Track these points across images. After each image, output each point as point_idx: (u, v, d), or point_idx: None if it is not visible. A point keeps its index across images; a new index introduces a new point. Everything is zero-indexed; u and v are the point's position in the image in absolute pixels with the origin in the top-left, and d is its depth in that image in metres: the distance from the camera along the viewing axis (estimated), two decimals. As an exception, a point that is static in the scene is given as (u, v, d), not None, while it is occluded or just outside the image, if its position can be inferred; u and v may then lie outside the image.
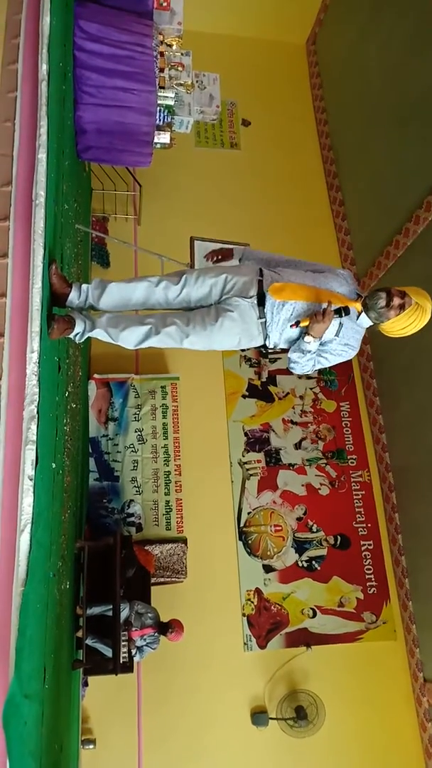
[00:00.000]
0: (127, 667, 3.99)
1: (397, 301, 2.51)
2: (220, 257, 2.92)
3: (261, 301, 2.63)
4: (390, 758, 4.78)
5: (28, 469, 2.09)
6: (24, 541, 2.00)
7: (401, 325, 2.57)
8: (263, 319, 2.64)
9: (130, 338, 2.64)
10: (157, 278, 2.72)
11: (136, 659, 4.09)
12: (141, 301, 2.72)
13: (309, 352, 2.60)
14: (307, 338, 2.54)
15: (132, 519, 4.89)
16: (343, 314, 2.54)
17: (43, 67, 2.79)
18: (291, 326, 2.60)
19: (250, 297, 2.65)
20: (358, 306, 2.61)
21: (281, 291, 2.61)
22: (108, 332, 2.62)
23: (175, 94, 4.54)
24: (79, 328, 2.58)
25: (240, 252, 2.90)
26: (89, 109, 4.08)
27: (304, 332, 2.57)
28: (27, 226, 2.45)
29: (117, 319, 2.64)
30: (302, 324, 2.57)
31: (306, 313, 2.59)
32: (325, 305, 2.50)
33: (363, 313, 2.62)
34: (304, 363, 2.66)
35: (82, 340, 2.66)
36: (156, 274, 2.83)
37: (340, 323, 2.59)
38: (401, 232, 5.13)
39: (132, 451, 5.08)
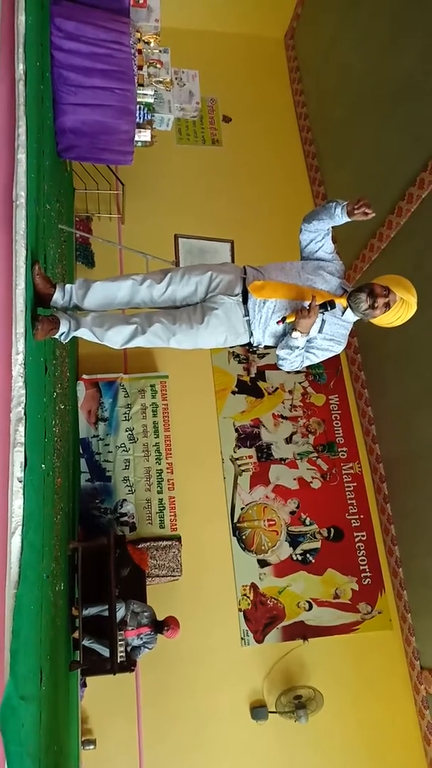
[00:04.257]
0: (125, 667, 3.99)
1: (381, 301, 2.50)
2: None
3: (246, 299, 2.64)
4: (389, 747, 4.81)
5: (17, 471, 2.08)
6: (15, 543, 1.99)
7: (387, 321, 2.60)
8: (248, 317, 2.65)
9: (115, 338, 2.64)
10: (142, 276, 2.71)
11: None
12: (126, 300, 2.72)
13: (297, 348, 2.59)
14: (294, 334, 2.54)
15: (125, 518, 4.88)
16: (329, 308, 2.55)
17: (20, 67, 2.76)
18: (277, 322, 2.60)
19: (236, 295, 2.65)
20: (344, 302, 2.61)
21: (261, 289, 2.62)
22: (93, 332, 2.61)
23: (155, 91, 4.52)
24: (64, 328, 2.57)
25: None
26: (69, 109, 4.05)
27: (291, 329, 2.56)
28: (8, 227, 2.43)
29: (102, 319, 2.63)
30: (288, 320, 2.57)
31: (288, 310, 2.59)
32: (308, 302, 2.50)
33: (348, 309, 2.61)
34: (292, 360, 2.66)
35: (68, 340, 2.65)
36: (141, 272, 2.82)
37: (323, 320, 2.59)
38: (384, 224, 5.15)
39: (123, 450, 5.07)
